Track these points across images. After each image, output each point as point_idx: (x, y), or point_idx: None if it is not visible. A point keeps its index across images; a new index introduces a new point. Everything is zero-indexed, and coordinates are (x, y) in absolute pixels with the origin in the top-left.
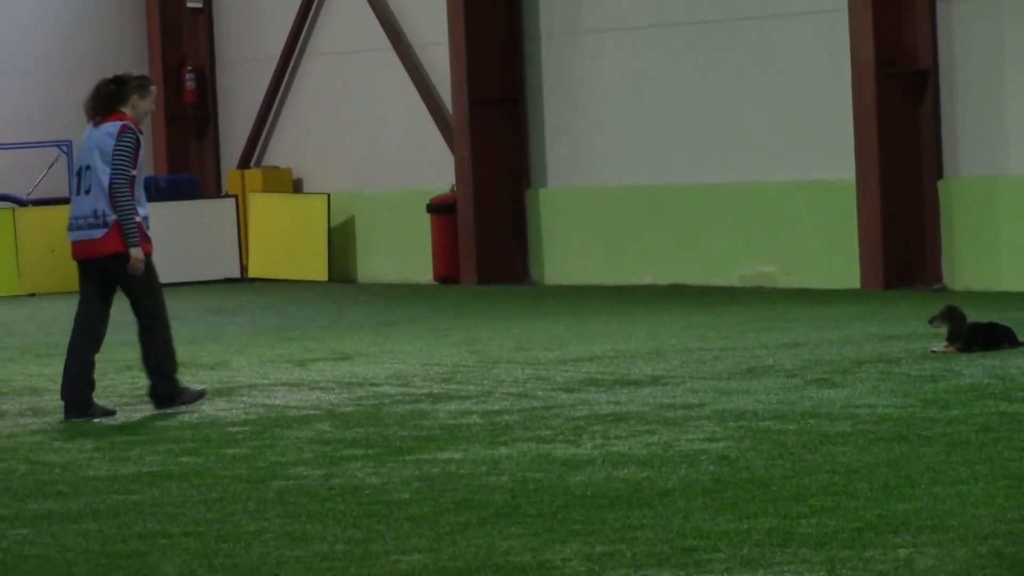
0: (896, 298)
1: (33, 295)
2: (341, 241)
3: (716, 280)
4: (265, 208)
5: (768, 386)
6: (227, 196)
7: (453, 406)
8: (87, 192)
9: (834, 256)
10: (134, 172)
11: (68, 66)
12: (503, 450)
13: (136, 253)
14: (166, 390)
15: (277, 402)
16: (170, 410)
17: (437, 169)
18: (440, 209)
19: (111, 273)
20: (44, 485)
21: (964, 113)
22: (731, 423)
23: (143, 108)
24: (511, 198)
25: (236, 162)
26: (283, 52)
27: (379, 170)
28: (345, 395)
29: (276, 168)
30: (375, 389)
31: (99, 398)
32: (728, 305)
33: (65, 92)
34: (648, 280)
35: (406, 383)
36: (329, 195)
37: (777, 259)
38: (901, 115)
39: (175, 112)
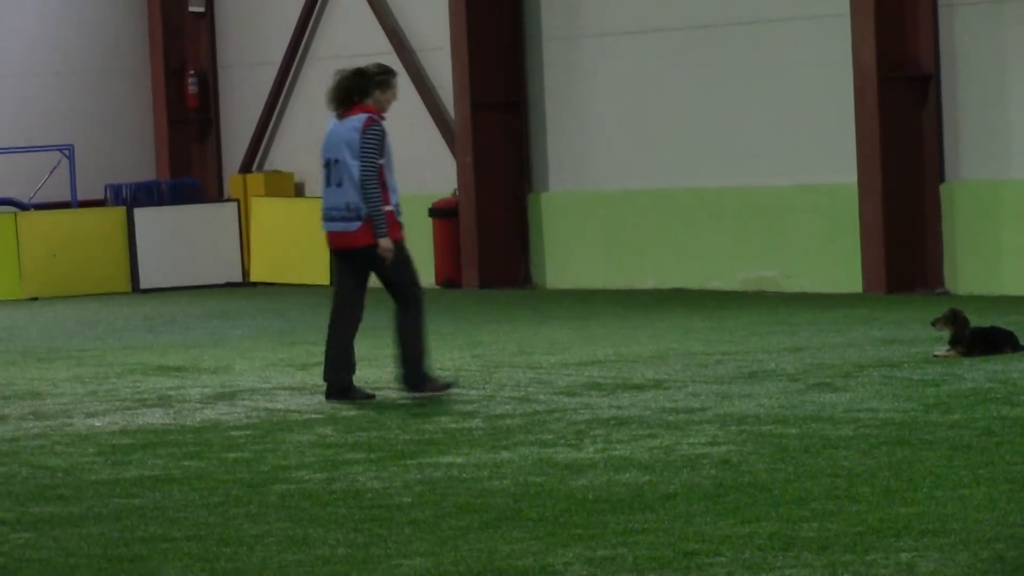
0: (898, 302)
1: (35, 299)
2: None
3: (718, 284)
4: (267, 212)
5: (770, 390)
6: (229, 200)
7: (455, 410)
8: (339, 185)
9: (836, 260)
10: (382, 161)
11: (70, 70)
12: (505, 454)
13: (385, 243)
14: (415, 375)
15: (279, 406)
16: (417, 396)
17: (439, 173)
18: (442, 213)
19: (365, 262)
20: (46, 489)
21: (966, 117)
22: (733, 427)
23: (384, 100)
24: (513, 202)
25: (238, 166)
26: (285, 56)
27: None
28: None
29: (278, 172)
30: (377, 393)
31: (99, 401)
32: (730, 309)
33: (67, 96)
34: (650, 284)
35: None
36: None
37: (779, 263)
38: (903, 119)
39: (177, 116)
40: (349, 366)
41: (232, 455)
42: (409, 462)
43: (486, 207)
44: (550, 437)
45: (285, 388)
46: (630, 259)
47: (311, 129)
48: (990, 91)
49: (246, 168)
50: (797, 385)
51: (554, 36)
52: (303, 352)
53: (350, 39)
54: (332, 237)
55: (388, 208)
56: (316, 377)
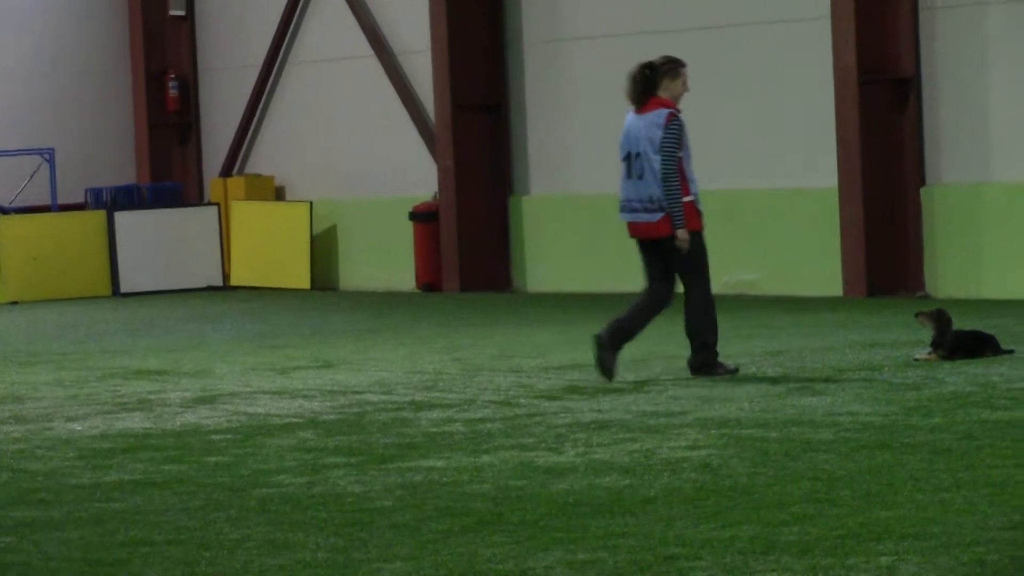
0: (879, 306)
1: (15, 303)
2: (323, 249)
3: None
4: (247, 216)
5: (751, 394)
6: (209, 204)
7: (435, 414)
8: (639, 178)
9: (817, 263)
10: (681, 154)
11: (51, 74)
12: (485, 458)
13: (682, 235)
14: (703, 359)
15: (259, 410)
16: (706, 379)
17: (420, 177)
18: (423, 217)
19: (664, 251)
20: (26, 493)
21: (947, 121)
22: (713, 431)
23: (675, 90)
24: (494, 205)
25: (219, 170)
26: (266, 60)
27: (362, 178)
28: (327, 403)
29: (259, 176)
30: (357, 397)
31: (80, 405)
32: None
33: (48, 100)
34: (631, 287)
35: (388, 391)
36: (311, 203)
37: (760, 266)
38: (884, 122)
39: (158, 120)
40: (625, 339)
41: (212, 459)
42: (389, 466)
43: (467, 210)
44: (531, 441)
45: (266, 392)
46: (611, 262)
47: (292, 132)
48: (971, 94)
49: (227, 172)
50: (778, 388)
51: (535, 39)
52: (284, 356)
53: (331, 42)
54: (634, 227)
55: (688, 199)
56: (296, 381)
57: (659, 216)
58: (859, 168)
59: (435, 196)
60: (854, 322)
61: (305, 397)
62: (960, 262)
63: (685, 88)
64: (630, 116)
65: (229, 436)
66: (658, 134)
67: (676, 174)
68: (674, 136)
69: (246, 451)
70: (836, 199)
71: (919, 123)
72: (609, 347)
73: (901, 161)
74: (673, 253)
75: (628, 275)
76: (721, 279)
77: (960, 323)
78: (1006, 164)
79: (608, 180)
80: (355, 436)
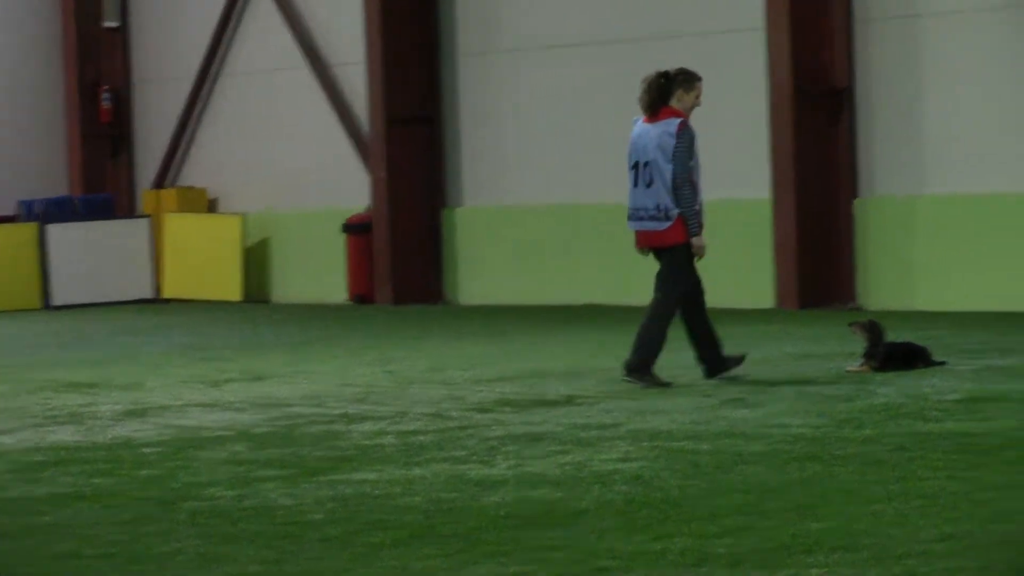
0: (811, 317)
1: None
2: (256, 261)
3: (631, 299)
4: (180, 228)
5: (682, 406)
6: (142, 216)
7: (367, 426)
8: (648, 186)
9: (749, 275)
10: (692, 163)
11: None
12: (417, 471)
13: (698, 242)
14: (640, 362)
15: (191, 423)
16: (635, 384)
17: (353, 189)
18: (355, 229)
19: (664, 257)
20: None
21: (880, 133)
22: (645, 443)
23: (688, 102)
24: (427, 218)
25: (151, 182)
26: (199, 71)
27: (294, 190)
28: (259, 416)
29: (191, 188)
30: (289, 409)
31: (10, 418)
32: None
33: None
34: (564, 300)
35: (320, 403)
36: (244, 215)
37: None
38: (817, 134)
39: (90, 131)
40: (715, 343)
41: (143, 472)
42: (321, 479)
43: (400, 223)
44: (462, 453)
45: (197, 405)
46: (544, 275)
47: (225, 144)
48: (904, 106)
49: (159, 184)
50: (710, 401)
51: (469, 51)
52: (215, 369)
53: (265, 54)
54: (642, 236)
55: (697, 208)
56: (228, 394)
57: (667, 225)
58: (792, 180)
59: (368, 208)
60: (786, 334)
61: (236, 410)
62: (893, 274)
63: (698, 102)
64: (639, 125)
65: (160, 449)
66: (671, 143)
67: (688, 183)
68: (686, 145)
69: (177, 464)
70: (769, 211)
71: (853, 135)
72: (638, 369)
73: (835, 173)
74: (666, 259)
75: (561, 287)
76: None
77: (892, 335)
78: (939, 176)
79: (541, 192)
80: (286, 449)
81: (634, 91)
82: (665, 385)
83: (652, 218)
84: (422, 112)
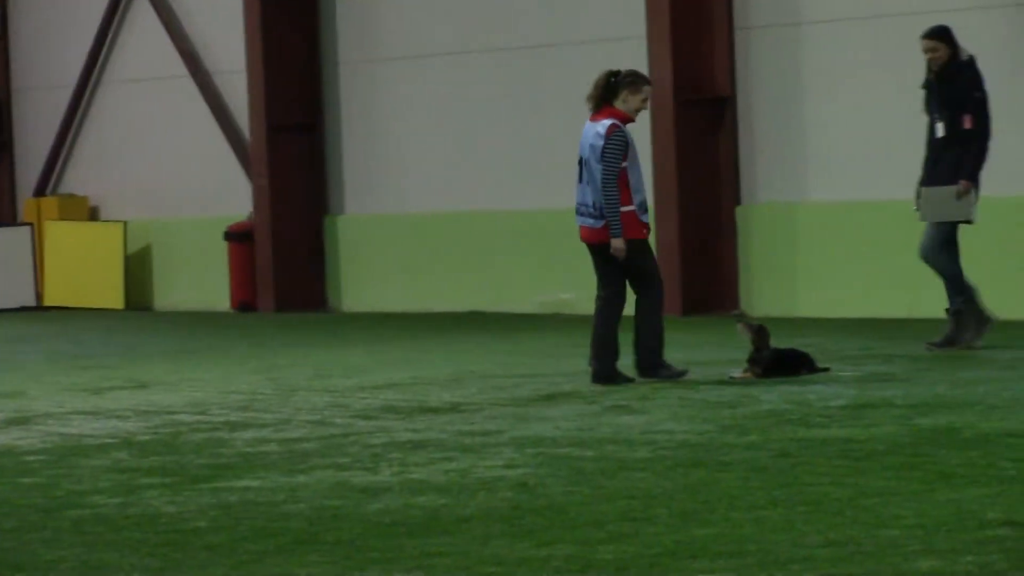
0: (694, 324)
1: None
2: (138, 269)
3: (514, 307)
4: (61, 236)
5: (566, 413)
6: (23, 224)
7: (251, 434)
8: (587, 183)
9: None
10: (624, 164)
11: None
12: (301, 478)
13: (616, 243)
14: (647, 361)
15: (73, 431)
16: (653, 380)
17: (235, 196)
18: (238, 237)
19: (610, 257)
20: None
21: (762, 140)
22: (529, 450)
23: (632, 103)
24: (309, 225)
25: (32, 190)
26: (80, 79)
27: (176, 198)
28: (142, 423)
29: (72, 196)
30: (172, 417)
31: None
32: (527, 332)
33: None
34: (447, 307)
35: (203, 411)
36: (126, 223)
37: (575, 286)
38: (700, 141)
39: None
40: (613, 352)
41: (26, 480)
42: (204, 486)
43: (282, 230)
44: (347, 460)
45: (80, 413)
46: (427, 282)
47: (105, 153)
48: (786, 114)
49: (40, 192)
50: (594, 407)
51: (351, 59)
52: (98, 376)
53: (146, 62)
54: (582, 231)
55: (628, 209)
56: (111, 402)
57: (602, 223)
58: (675, 187)
59: (250, 216)
60: (670, 341)
61: (119, 418)
62: (775, 281)
63: (644, 105)
64: (587, 122)
65: (43, 457)
66: (600, 144)
67: (615, 184)
68: (613, 147)
69: (60, 472)
70: (652, 218)
71: (735, 142)
72: (601, 372)
73: (717, 180)
74: (618, 260)
75: (444, 294)
76: (536, 299)
77: (776, 341)
78: (822, 183)
79: (424, 200)
80: (170, 456)
81: (514, 99)
82: (681, 374)
83: (590, 215)
84: (303, 120)
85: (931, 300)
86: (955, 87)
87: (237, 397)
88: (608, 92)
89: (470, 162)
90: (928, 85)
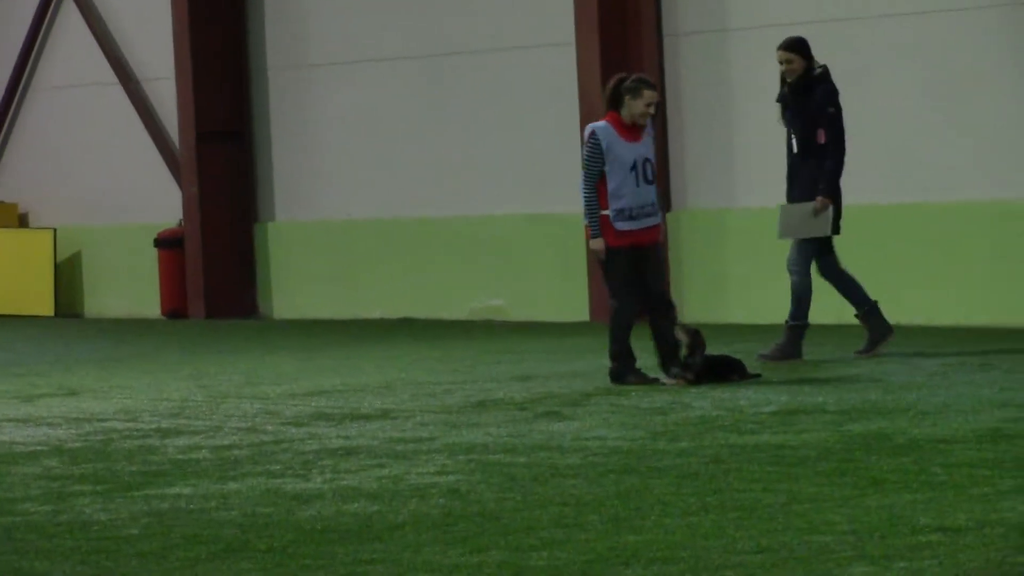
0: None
1: None
2: (68, 276)
3: (446, 314)
4: None
5: (498, 419)
6: None
7: (182, 441)
8: None
9: (564, 289)
10: (604, 168)
11: None
12: (232, 485)
13: (594, 244)
14: (612, 370)
15: (3, 438)
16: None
17: (165, 204)
18: (167, 243)
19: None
20: None
21: (692, 146)
22: (461, 456)
23: (634, 108)
24: (239, 232)
25: None
26: (8, 86)
27: (106, 205)
28: (73, 431)
29: (1, 203)
30: (103, 424)
31: None
32: (458, 339)
33: None
34: (377, 314)
35: (134, 418)
36: (55, 230)
37: (507, 292)
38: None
39: None
40: (623, 359)
41: None
42: (136, 493)
43: (212, 237)
44: (278, 467)
45: (10, 420)
46: (357, 289)
47: (35, 159)
48: (714, 120)
49: None
50: (525, 414)
51: (279, 65)
52: (27, 384)
53: (74, 69)
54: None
55: (604, 213)
56: (41, 409)
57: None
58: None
59: (180, 223)
60: (601, 347)
61: (50, 425)
62: (706, 286)
63: (647, 110)
64: None
65: None
66: (582, 149)
67: (592, 189)
68: (588, 151)
69: None
70: (583, 225)
71: (665, 149)
72: (619, 372)
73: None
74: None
75: (374, 301)
76: (467, 306)
77: (709, 348)
78: (751, 189)
79: (354, 207)
80: (101, 464)
81: (444, 106)
82: (650, 382)
83: (586, 215)
84: (232, 127)
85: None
86: (809, 101)
87: (168, 404)
88: (614, 98)
89: (400, 169)
90: (783, 98)
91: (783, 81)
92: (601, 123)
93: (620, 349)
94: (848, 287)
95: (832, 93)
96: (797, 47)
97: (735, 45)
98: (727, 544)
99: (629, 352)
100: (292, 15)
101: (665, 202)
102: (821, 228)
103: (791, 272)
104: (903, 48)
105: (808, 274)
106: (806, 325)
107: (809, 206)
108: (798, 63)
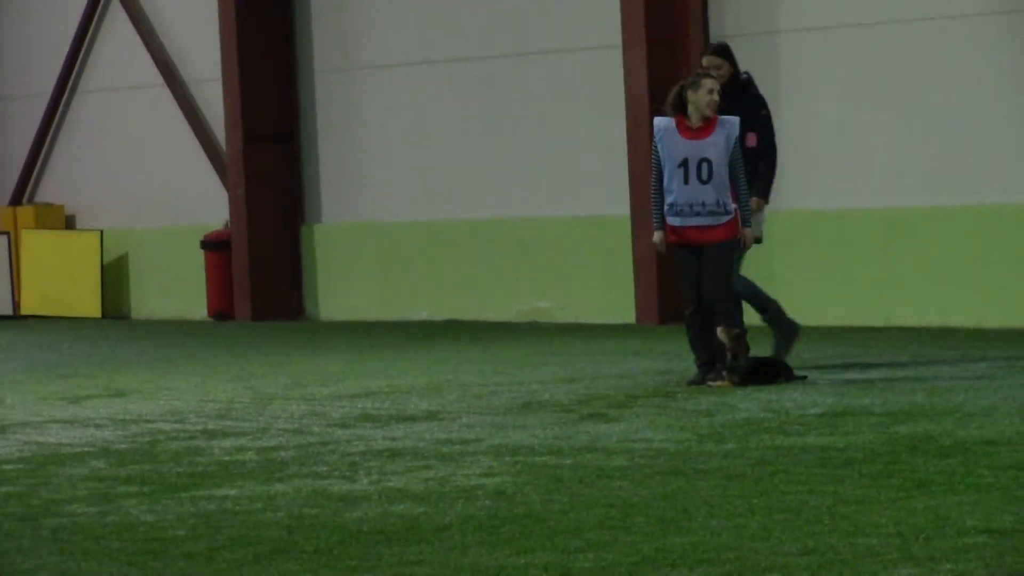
0: (671, 333)
1: None
2: (114, 277)
3: (492, 315)
4: (38, 245)
5: (544, 421)
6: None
7: (228, 442)
8: None
9: (609, 291)
10: (658, 161)
11: None
12: (279, 486)
13: (654, 237)
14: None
15: (51, 439)
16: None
17: (211, 205)
18: (214, 245)
19: None
20: None
21: None
22: (507, 458)
23: (695, 100)
24: (286, 234)
25: (8, 199)
26: (56, 88)
27: (153, 206)
28: (119, 432)
29: (48, 205)
30: (149, 426)
31: None
32: (504, 340)
33: None
34: (424, 316)
35: (181, 420)
36: (102, 231)
37: (553, 294)
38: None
39: None
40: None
41: (3, 489)
42: (182, 495)
43: (259, 239)
44: (324, 469)
45: (57, 421)
46: (404, 291)
47: (81, 161)
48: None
49: (16, 200)
50: (571, 416)
51: (327, 67)
52: (75, 385)
53: (121, 71)
54: None
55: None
56: (88, 410)
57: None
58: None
59: (227, 224)
60: (647, 349)
61: (97, 426)
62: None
63: (711, 96)
64: None
65: (21, 466)
66: None
67: (655, 180)
68: (653, 146)
69: (38, 480)
70: (628, 227)
71: None
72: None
73: None
74: None
75: (421, 303)
76: (513, 307)
77: (754, 350)
78: (795, 191)
79: (401, 208)
80: (147, 465)
81: (491, 107)
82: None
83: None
84: (279, 128)
85: (910, 308)
86: (738, 105)
87: (214, 406)
88: (676, 102)
89: (447, 170)
90: None
91: None
92: (664, 117)
93: (691, 349)
94: (754, 291)
95: (760, 97)
96: (725, 53)
97: (782, 47)
98: (773, 546)
99: (696, 350)
100: (339, 17)
101: None
102: (755, 230)
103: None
104: (947, 50)
105: (740, 274)
106: (777, 306)
107: None
108: (726, 69)
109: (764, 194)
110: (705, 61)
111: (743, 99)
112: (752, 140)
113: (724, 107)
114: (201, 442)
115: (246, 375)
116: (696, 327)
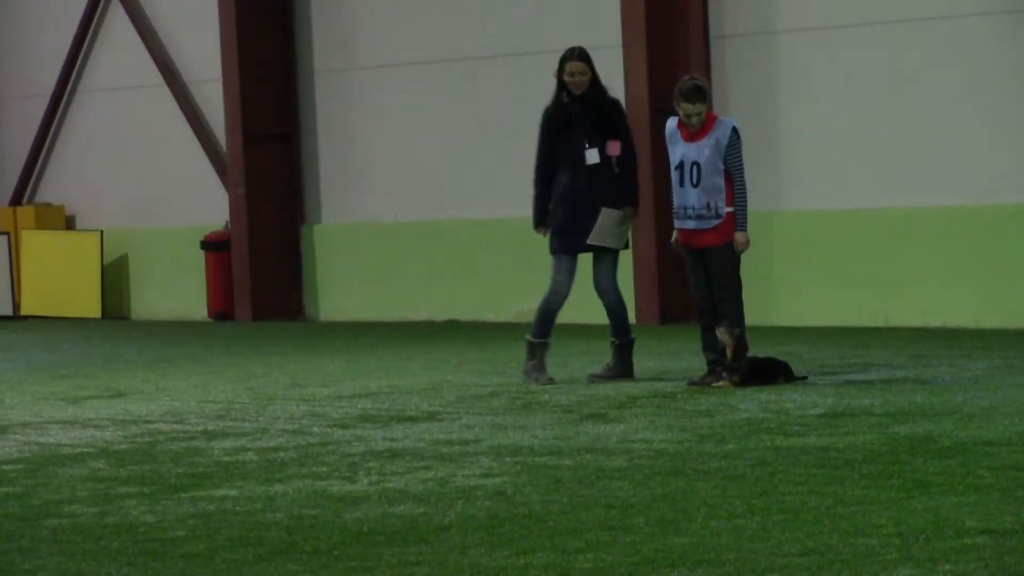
0: (671, 333)
1: None
2: (114, 278)
3: (492, 315)
4: (38, 245)
5: (544, 421)
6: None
7: (228, 443)
8: None
9: None
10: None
11: None
12: (279, 487)
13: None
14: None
15: (51, 440)
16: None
17: (211, 206)
18: (214, 246)
19: None
20: None
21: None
22: (507, 459)
23: (682, 110)
24: (286, 234)
25: (8, 199)
26: (56, 88)
27: (153, 207)
28: (119, 432)
29: (48, 205)
30: (149, 426)
31: None
32: (504, 340)
33: None
34: (423, 316)
35: (181, 420)
36: (102, 232)
37: None
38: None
39: None
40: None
41: (3, 490)
42: (182, 495)
43: (258, 239)
44: (324, 470)
45: (57, 422)
46: (404, 291)
47: (82, 161)
48: (763, 122)
49: (16, 201)
50: (571, 416)
51: (327, 68)
52: (75, 386)
53: (121, 71)
54: None
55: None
56: (88, 411)
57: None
58: (651, 196)
59: (226, 225)
60: (647, 349)
61: (97, 427)
62: (752, 288)
63: (691, 110)
64: None
65: (20, 466)
66: None
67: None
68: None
69: (37, 481)
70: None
71: None
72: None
73: None
74: None
75: (421, 303)
76: (513, 308)
77: (753, 350)
78: (797, 191)
79: (400, 208)
80: (147, 466)
81: (491, 108)
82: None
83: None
84: (279, 129)
85: (910, 308)
86: (599, 113)
87: (214, 406)
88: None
89: (446, 171)
90: (565, 110)
91: (563, 94)
92: (674, 117)
93: (704, 348)
94: (620, 310)
95: (620, 104)
96: (589, 58)
97: (782, 47)
98: (773, 546)
99: (704, 350)
100: (339, 18)
101: None
102: (623, 238)
103: (605, 292)
104: (945, 50)
105: (618, 289)
106: (633, 340)
107: (616, 215)
108: (589, 75)
109: (636, 202)
110: (571, 68)
111: (603, 106)
112: (615, 148)
113: (583, 114)
114: (201, 442)
115: (246, 375)
116: (704, 327)
